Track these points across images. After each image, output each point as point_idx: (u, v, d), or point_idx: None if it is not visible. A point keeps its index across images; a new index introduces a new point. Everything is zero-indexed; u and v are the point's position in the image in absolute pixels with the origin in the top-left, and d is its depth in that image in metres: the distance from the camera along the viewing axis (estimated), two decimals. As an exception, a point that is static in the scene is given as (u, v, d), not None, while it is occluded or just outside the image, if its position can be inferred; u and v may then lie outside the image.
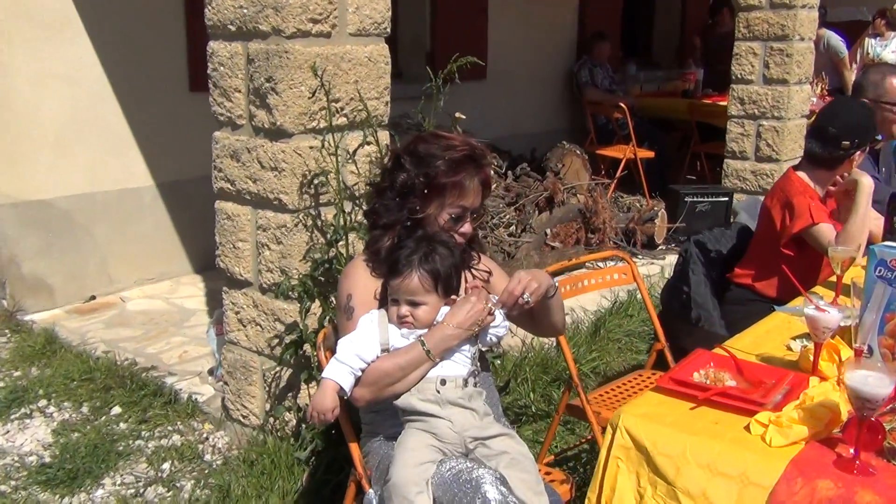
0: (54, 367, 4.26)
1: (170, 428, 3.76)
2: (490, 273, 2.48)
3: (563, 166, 6.65)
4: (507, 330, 2.32)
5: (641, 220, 6.39)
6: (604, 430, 3.15)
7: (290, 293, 3.19)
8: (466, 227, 2.33)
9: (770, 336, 2.38)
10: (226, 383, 3.67)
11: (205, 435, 3.71)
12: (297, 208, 3.22)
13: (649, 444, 1.79)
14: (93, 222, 5.15)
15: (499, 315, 2.26)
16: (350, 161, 3.27)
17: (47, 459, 3.50)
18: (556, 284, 2.38)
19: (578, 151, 6.80)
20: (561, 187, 6.25)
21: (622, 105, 7.40)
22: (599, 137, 7.83)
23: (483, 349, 2.33)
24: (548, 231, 6.08)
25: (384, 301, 2.26)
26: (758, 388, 1.97)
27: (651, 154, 7.56)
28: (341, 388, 2.12)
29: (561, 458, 3.46)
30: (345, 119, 3.28)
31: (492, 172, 2.41)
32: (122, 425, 3.77)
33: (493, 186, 6.08)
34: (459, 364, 2.21)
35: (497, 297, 2.26)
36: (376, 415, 2.30)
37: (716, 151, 7.78)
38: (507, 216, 6.00)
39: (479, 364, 2.28)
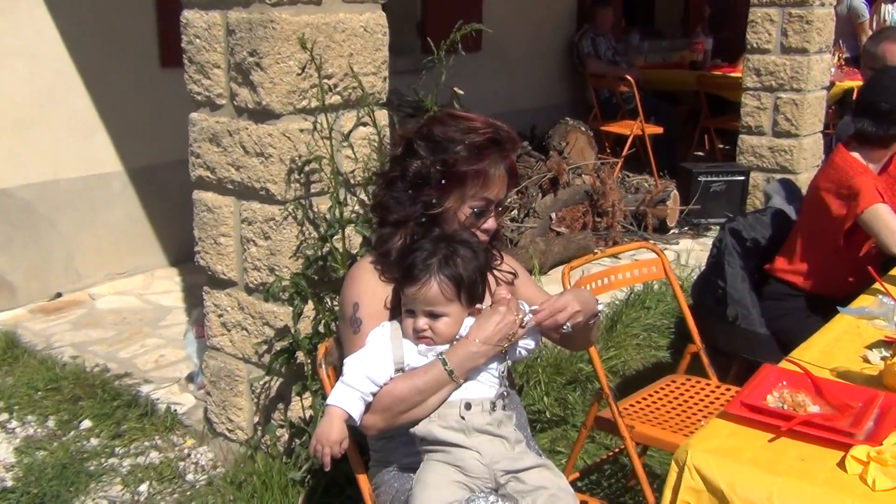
0: (16, 375, 3.99)
1: (147, 443, 3.49)
2: (515, 275, 2.22)
3: (567, 144, 6.40)
4: (539, 343, 2.07)
5: (653, 202, 6.15)
6: (640, 448, 2.96)
7: (280, 294, 2.93)
8: (490, 223, 2.07)
9: (841, 345, 2.14)
10: (208, 393, 3.41)
11: (186, 451, 3.45)
12: (286, 199, 2.95)
13: (726, 487, 1.55)
14: (57, 213, 4.86)
15: (531, 323, 2.01)
16: (345, 145, 3.00)
17: (9, 483, 3.23)
18: (601, 311, 2.14)
19: (583, 128, 6.54)
20: (566, 167, 6.01)
21: (628, 78, 7.14)
22: (604, 112, 7.58)
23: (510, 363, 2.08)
24: (553, 215, 5.83)
25: (396, 310, 2.01)
26: (843, 413, 1.73)
27: (659, 130, 7.31)
28: (350, 416, 1.86)
29: (584, 470, 3.23)
30: (339, 97, 3.01)
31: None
32: (94, 441, 3.51)
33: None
34: (486, 385, 1.96)
35: (528, 308, 2.01)
36: (388, 441, 2.05)
37: (727, 126, 7.55)
38: (509, 199, 5.74)
39: (507, 383, 2.03)
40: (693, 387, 2.97)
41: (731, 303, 3.24)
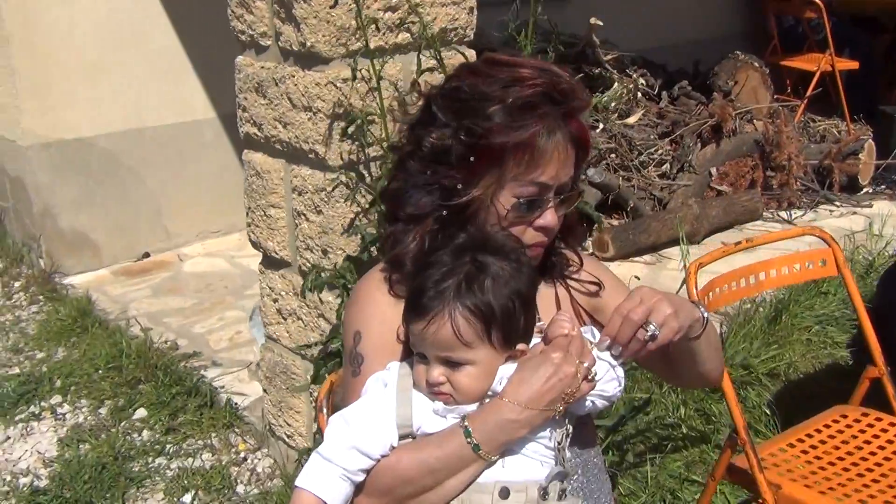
0: (82, 348, 3.76)
1: (200, 443, 3.16)
2: (599, 286, 1.63)
3: (736, 84, 5.55)
4: (622, 384, 1.47)
5: (840, 155, 5.25)
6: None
7: (324, 284, 2.45)
8: (548, 218, 1.49)
9: None
10: (265, 391, 3.01)
11: (242, 454, 3.09)
12: (338, 165, 2.46)
13: None
14: (142, 165, 4.60)
15: (605, 360, 1.43)
16: (414, 97, 2.45)
17: (44, 482, 2.98)
18: (707, 317, 1.51)
19: (757, 64, 5.66)
20: (732, 112, 5.20)
21: (816, 1, 6.15)
22: (785, 44, 6.62)
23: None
24: (713, 170, 5.07)
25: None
26: None
27: (854, 65, 6.31)
28: (324, 504, 1.36)
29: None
30: (407, 35, 2.46)
31: (589, 121, 1.52)
32: (145, 434, 3.22)
33: (642, 113, 5.12)
34: (535, 460, 1.40)
35: (600, 336, 1.43)
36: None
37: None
38: (660, 151, 5.02)
39: (573, 457, 1.46)
40: (871, 427, 2.29)
41: (933, 309, 2.50)
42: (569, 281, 1.64)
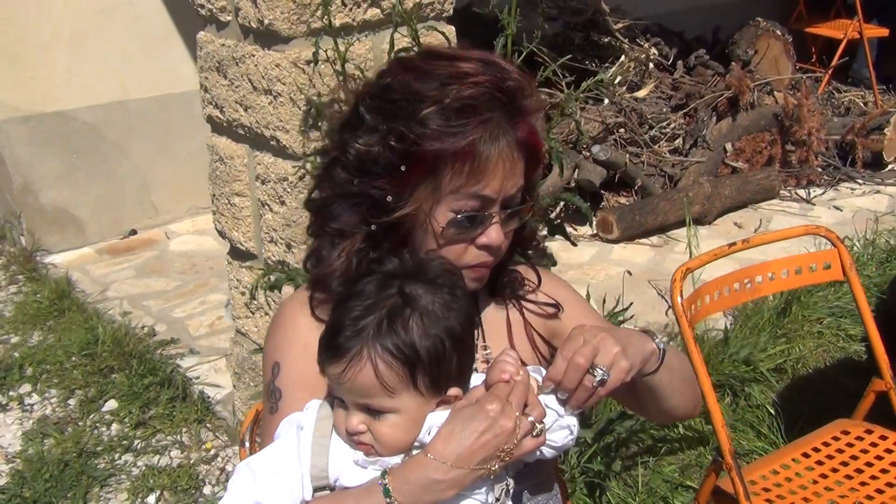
0: (57, 333, 3.64)
1: (170, 438, 3.03)
2: (557, 307, 1.46)
3: (756, 53, 5.30)
4: (575, 432, 1.30)
5: (865, 130, 4.99)
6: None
7: (287, 282, 2.29)
8: (491, 237, 1.31)
9: None
10: (234, 386, 2.88)
11: (212, 452, 2.96)
12: (301, 153, 2.28)
13: None
14: (127, 138, 4.45)
15: (553, 408, 1.25)
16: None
17: (3, 480, 2.87)
18: (663, 349, 1.33)
19: (779, 31, 5.40)
20: (750, 83, 4.96)
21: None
22: (812, 9, 6.32)
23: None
24: (728, 146, 4.84)
25: (339, 379, 1.30)
26: None
27: (884, 32, 6.02)
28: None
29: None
30: (376, 11, 2.27)
31: (539, 125, 1.34)
32: (114, 428, 3.10)
33: (654, 85, 4.89)
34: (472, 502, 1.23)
35: (542, 379, 1.26)
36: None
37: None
38: (672, 125, 4.80)
39: (521, 485, 1.29)
40: (875, 446, 2.11)
41: (948, 317, 2.30)
42: (524, 302, 1.47)
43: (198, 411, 3.10)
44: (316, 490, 1.23)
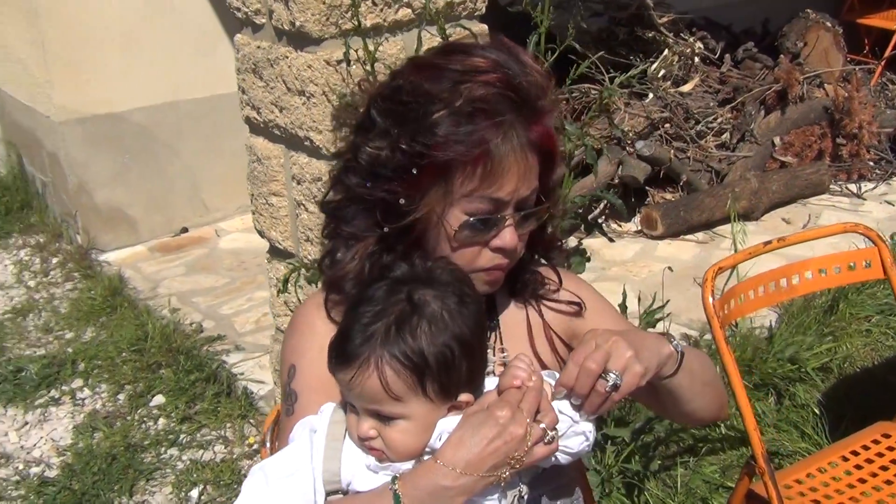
0: (109, 329, 3.71)
1: (214, 433, 3.08)
2: (580, 306, 1.44)
3: (806, 45, 5.17)
4: (591, 438, 1.28)
5: (919, 122, 4.85)
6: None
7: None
8: (505, 239, 1.30)
9: None
10: (276, 383, 2.90)
11: (255, 447, 2.99)
12: (335, 153, 2.28)
13: None
14: (178, 139, 4.51)
15: (567, 414, 1.23)
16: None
17: (54, 472, 2.93)
18: (681, 352, 1.30)
19: (829, 23, 5.26)
20: (800, 76, 4.85)
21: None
22: (865, 0, 6.15)
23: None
24: (776, 140, 4.74)
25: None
26: None
27: (942, 21, 5.82)
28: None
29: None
30: (407, 11, 2.26)
31: (554, 125, 1.31)
32: (161, 423, 3.15)
33: (700, 79, 4.80)
34: (483, 509, 1.22)
35: (554, 384, 1.24)
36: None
37: None
38: (719, 120, 4.72)
39: (536, 491, 1.28)
40: (916, 449, 2.04)
41: None
42: (544, 302, 1.45)
43: (241, 407, 3.15)
44: (328, 494, 1.23)
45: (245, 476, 2.84)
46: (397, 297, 1.19)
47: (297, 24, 2.20)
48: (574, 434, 1.25)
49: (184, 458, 2.98)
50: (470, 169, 1.25)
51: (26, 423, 3.19)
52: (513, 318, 1.43)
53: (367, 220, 1.31)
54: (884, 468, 1.99)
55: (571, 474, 1.45)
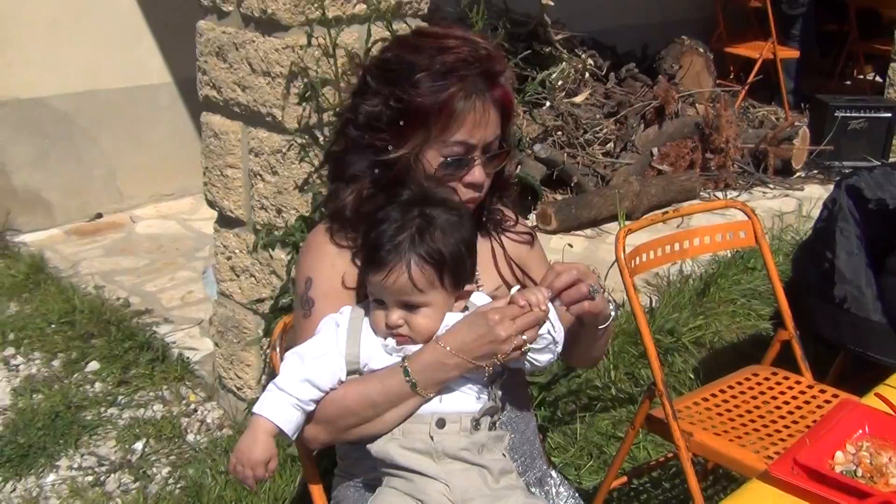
0: (34, 304, 3.85)
1: (152, 394, 3.29)
2: (532, 235, 1.84)
3: (681, 68, 5.78)
4: (556, 352, 1.63)
5: (776, 140, 5.50)
6: (698, 461, 2.52)
7: (286, 240, 2.59)
8: (475, 175, 1.66)
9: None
10: (216, 345, 3.15)
11: (192, 406, 3.23)
12: (294, 128, 2.59)
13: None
14: (97, 126, 4.67)
15: (552, 333, 1.58)
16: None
17: (-2, 429, 3.08)
18: (615, 316, 1.71)
19: (701, 49, 5.89)
20: (675, 95, 5.42)
21: (762, -10, 6.40)
22: (731, 30, 6.85)
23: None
24: (655, 150, 5.29)
25: (361, 288, 1.64)
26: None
27: (794, 53, 6.56)
28: (281, 430, 1.52)
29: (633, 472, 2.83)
30: (363, 6, 2.60)
31: (511, 86, 1.70)
32: (97, 386, 3.33)
33: (589, 93, 5.31)
34: (469, 396, 1.57)
35: (545, 290, 1.56)
36: (353, 448, 1.70)
37: (881, 51, 6.71)
38: (605, 130, 5.23)
39: (503, 395, 1.63)
40: (779, 384, 2.50)
41: (839, 281, 2.71)
42: (503, 235, 1.82)
43: (177, 371, 3.36)
44: (349, 373, 1.56)
45: (186, 431, 3.10)
46: (412, 215, 1.54)
47: (269, 11, 2.49)
48: (548, 351, 1.61)
49: (124, 416, 3.18)
50: (445, 119, 1.60)
51: (-38, 387, 3.32)
52: (480, 247, 1.79)
53: (364, 164, 1.65)
54: (754, 397, 2.43)
55: (524, 377, 1.83)
